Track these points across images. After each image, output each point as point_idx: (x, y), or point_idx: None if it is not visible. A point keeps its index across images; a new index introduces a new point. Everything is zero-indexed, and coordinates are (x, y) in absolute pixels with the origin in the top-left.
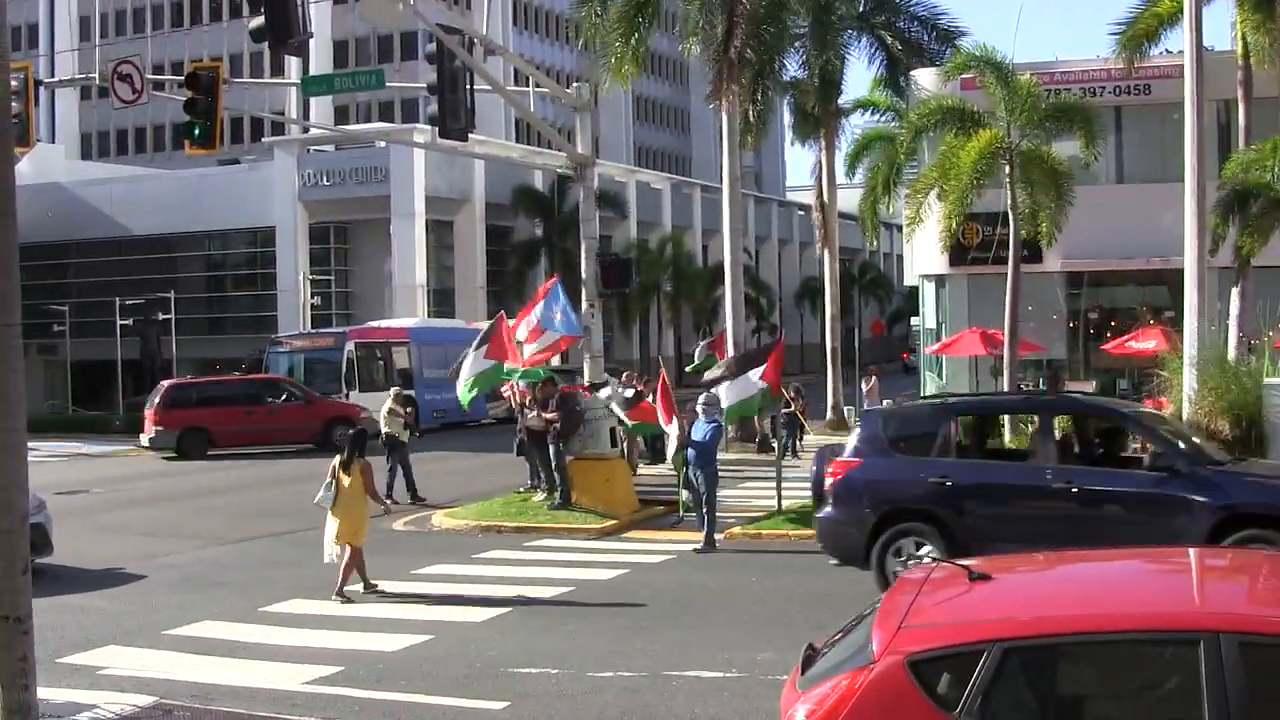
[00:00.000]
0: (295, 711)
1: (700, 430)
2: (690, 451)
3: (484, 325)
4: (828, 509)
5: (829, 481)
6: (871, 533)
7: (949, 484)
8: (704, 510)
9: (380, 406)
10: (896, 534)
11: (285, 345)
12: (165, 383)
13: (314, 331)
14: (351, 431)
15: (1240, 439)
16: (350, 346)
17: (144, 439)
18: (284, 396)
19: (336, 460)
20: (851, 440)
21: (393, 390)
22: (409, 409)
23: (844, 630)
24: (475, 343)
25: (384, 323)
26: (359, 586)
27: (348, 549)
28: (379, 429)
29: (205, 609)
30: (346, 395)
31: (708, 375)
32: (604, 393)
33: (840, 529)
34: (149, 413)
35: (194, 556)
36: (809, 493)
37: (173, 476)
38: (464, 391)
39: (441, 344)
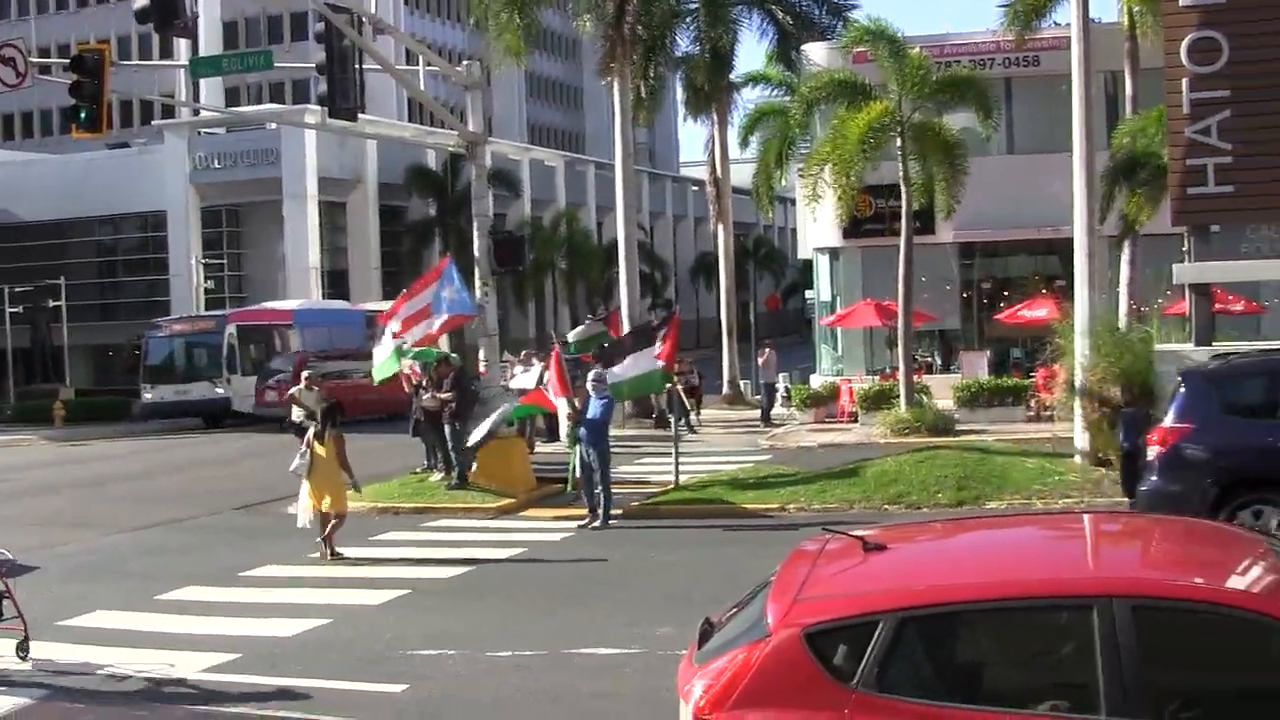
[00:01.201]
0: (193, 699)
1: (592, 407)
2: (582, 429)
3: (375, 306)
4: (1155, 480)
5: (1153, 450)
6: (1213, 505)
7: None
8: (597, 488)
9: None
10: (1240, 506)
11: (164, 330)
12: (299, 357)
13: (194, 315)
14: (325, 405)
15: (1130, 404)
16: (231, 330)
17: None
18: None
19: (311, 432)
20: (1174, 405)
21: (304, 375)
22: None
23: (740, 604)
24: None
25: (268, 305)
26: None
27: (321, 515)
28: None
29: (100, 599)
30: (228, 380)
31: (596, 353)
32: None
33: (1174, 502)
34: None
35: (89, 546)
36: (706, 468)
37: (68, 465)
38: (378, 369)
39: (326, 326)
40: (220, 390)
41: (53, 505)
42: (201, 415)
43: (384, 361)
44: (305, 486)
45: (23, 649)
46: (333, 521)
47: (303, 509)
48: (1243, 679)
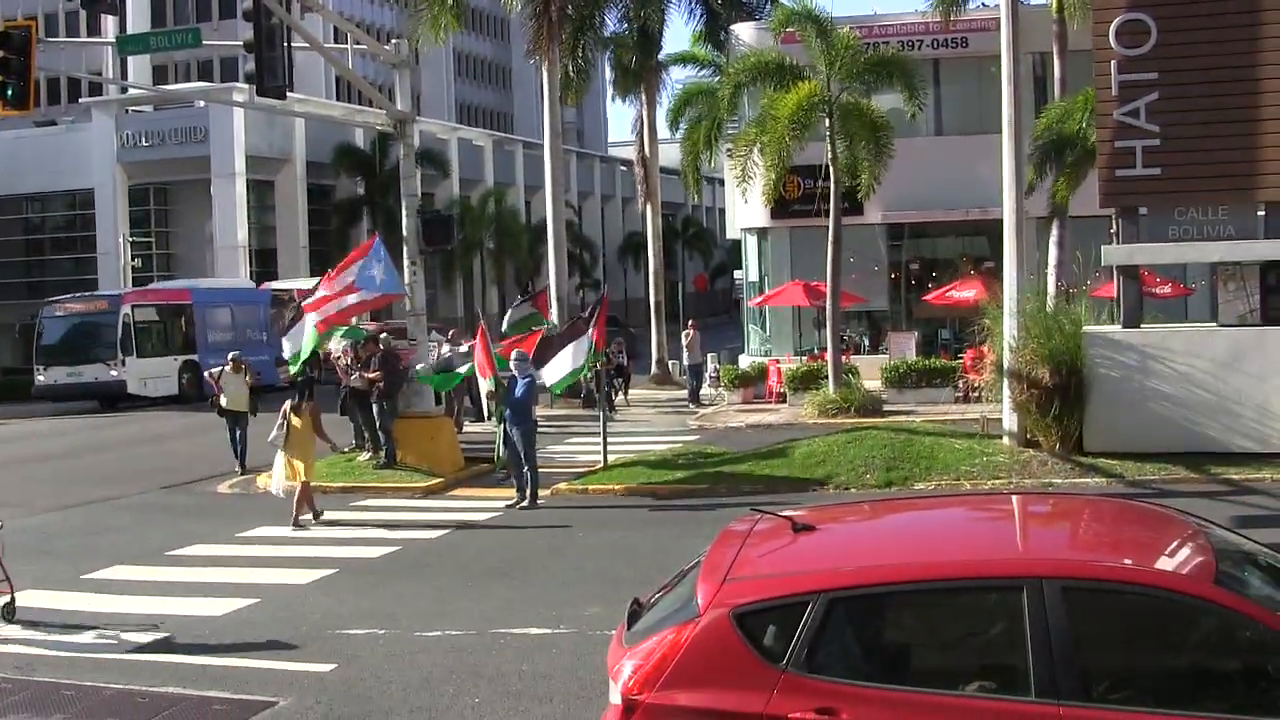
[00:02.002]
0: (120, 679)
1: (515, 388)
2: (507, 410)
3: (282, 285)
4: None
5: None
6: None
7: None
8: (523, 469)
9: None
10: None
11: (60, 309)
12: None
13: (88, 294)
14: (301, 378)
15: (1060, 386)
16: (126, 310)
17: None
18: None
19: (288, 404)
20: None
21: (231, 356)
22: (249, 375)
23: (669, 585)
24: (300, 306)
25: (165, 284)
26: (309, 516)
27: (298, 484)
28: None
29: (27, 578)
30: (123, 362)
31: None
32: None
33: None
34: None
35: (17, 525)
36: (634, 448)
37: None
38: (295, 354)
39: (227, 305)
40: (114, 373)
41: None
42: (97, 398)
43: (299, 350)
44: (280, 457)
45: (8, 611)
46: (299, 489)
47: (277, 478)
48: (1171, 660)
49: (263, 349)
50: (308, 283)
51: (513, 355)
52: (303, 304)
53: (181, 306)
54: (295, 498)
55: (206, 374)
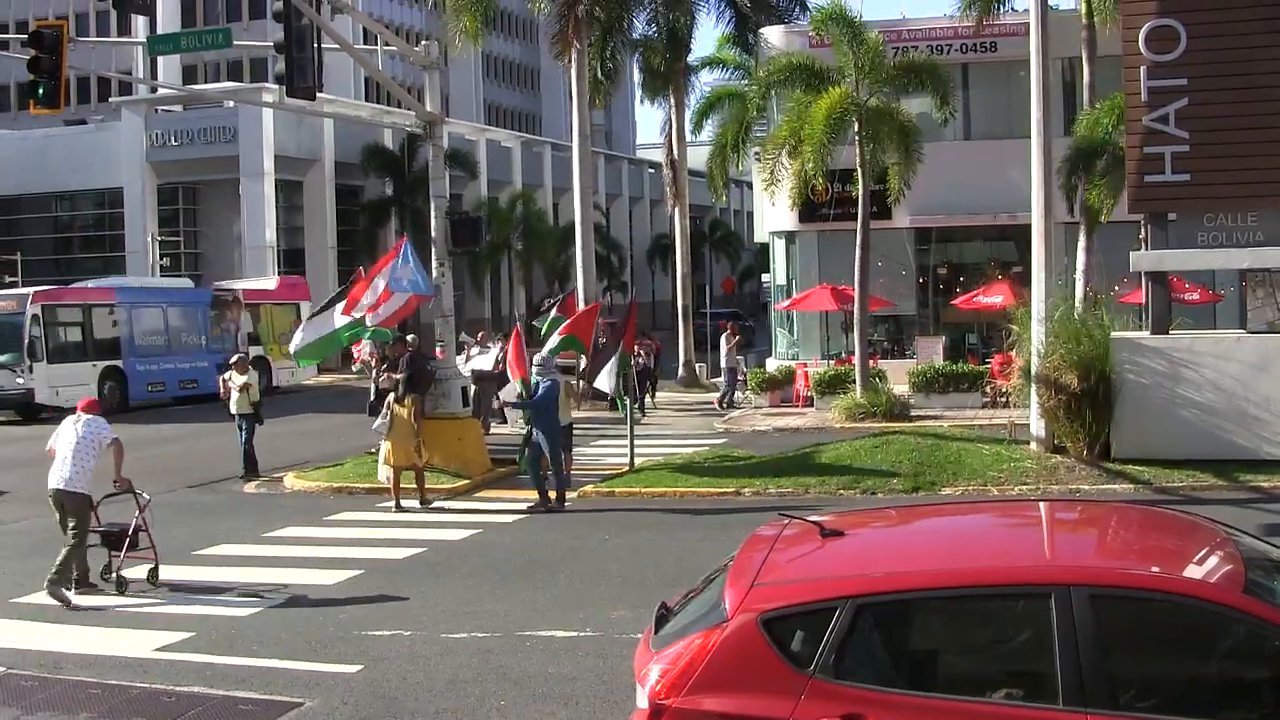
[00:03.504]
0: (146, 679)
1: (537, 391)
2: (530, 412)
3: (231, 284)
4: None
5: None
6: None
7: None
8: (544, 471)
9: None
10: None
11: None
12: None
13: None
14: (407, 373)
15: (1088, 392)
16: (35, 311)
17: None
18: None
19: (392, 395)
20: None
21: (234, 358)
22: (250, 378)
23: (697, 589)
24: (327, 301)
25: (89, 283)
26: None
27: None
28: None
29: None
30: (30, 368)
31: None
32: (476, 359)
33: None
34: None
35: (45, 523)
36: (661, 451)
37: (19, 442)
38: (304, 349)
39: (159, 305)
40: (20, 380)
41: (7, 481)
42: (11, 408)
43: (314, 343)
44: (384, 445)
45: (153, 576)
46: (404, 472)
47: (383, 465)
48: (1199, 668)
49: (200, 354)
50: (260, 283)
51: (535, 358)
52: (332, 307)
53: (104, 307)
54: (400, 481)
55: (220, 380)
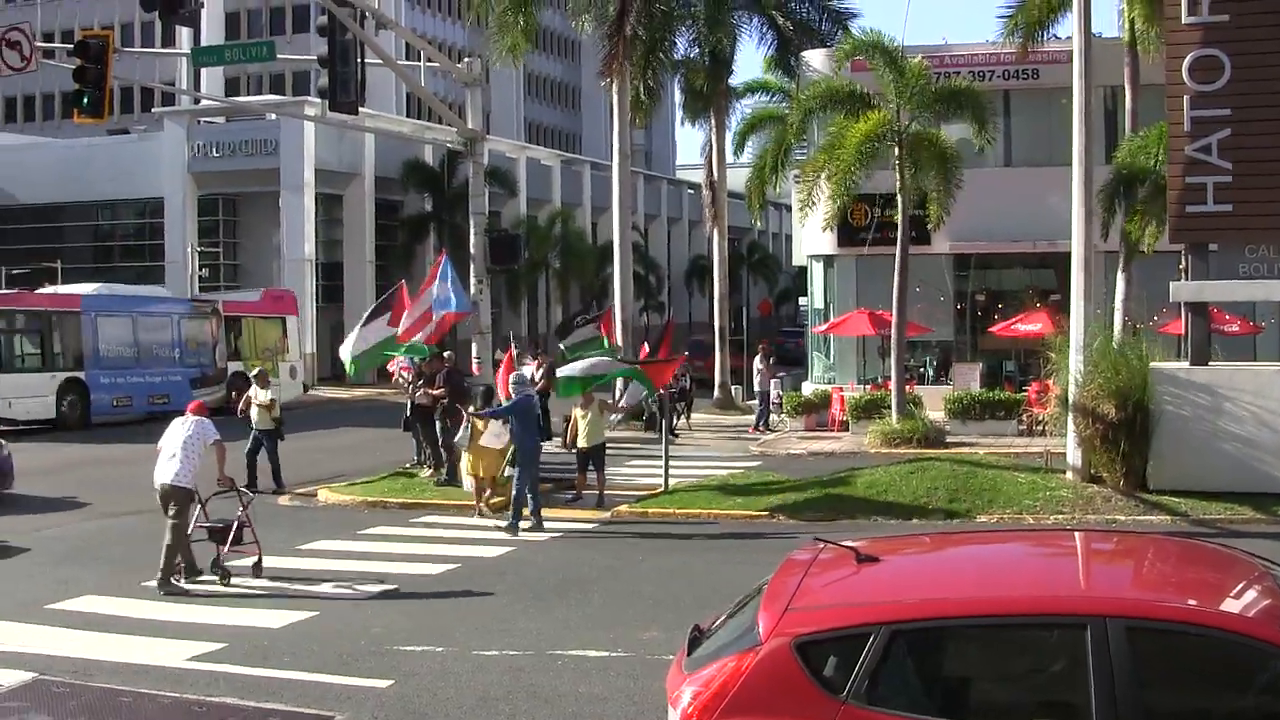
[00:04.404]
0: (177, 688)
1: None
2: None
3: (211, 296)
4: None
5: None
6: None
7: None
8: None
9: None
10: None
11: None
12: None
13: None
14: (483, 387)
15: (1126, 422)
16: None
17: None
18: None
19: (471, 408)
20: None
21: (255, 371)
22: (269, 392)
23: (731, 611)
24: (373, 310)
25: (55, 289)
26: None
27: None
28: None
29: (89, 583)
30: None
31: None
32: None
33: None
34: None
35: (78, 529)
36: (696, 473)
37: (55, 449)
38: (351, 359)
39: (128, 315)
40: None
41: (42, 488)
42: None
43: (361, 355)
44: (465, 457)
45: (258, 569)
46: (487, 486)
47: (464, 475)
48: (1235, 703)
49: (173, 368)
50: (243, 294)
51: (511, 377)
52: (379, 317)
53: (66, 315)
54: (486, 493)
55: (244, 396)
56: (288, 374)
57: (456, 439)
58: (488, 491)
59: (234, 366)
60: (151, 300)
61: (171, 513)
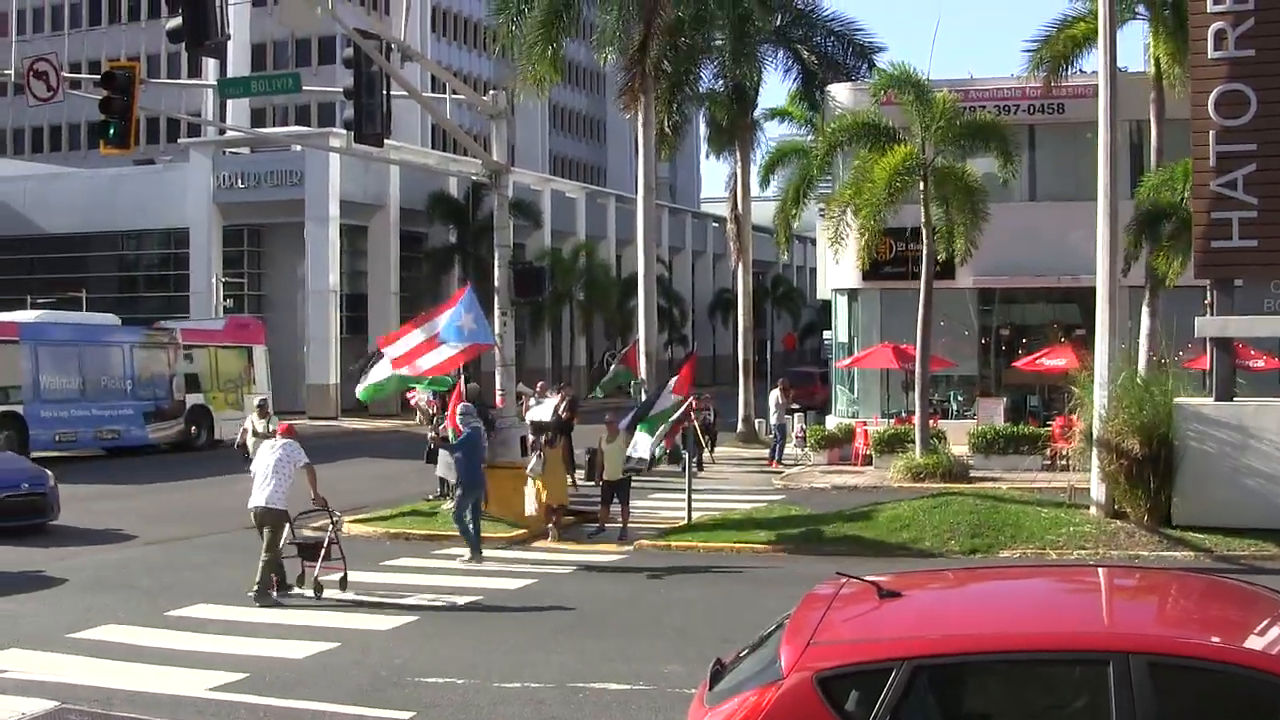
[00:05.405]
0: (198, 718)
1: (457, 439)
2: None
3: (181, 324)
4: None
5: None
6: None
7: None
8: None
9: None
10: None
11: None
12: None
13: None
14: (558, 418)
15: (1150, 458)
16: None
17: None
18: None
19: (543, 438)
20: None
21: (257, 400)
22: (271, 423)
23: (753, 645)
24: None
25: (5, 315)
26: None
27: (546, 507)
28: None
29: (112, 612)
30: None
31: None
32: (535, 409)
33: None
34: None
35: (102, 559)
36: (719, 506)
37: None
38: (368, 388)
39: (73, 345)
40: None
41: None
42: None
43: (375, 384)
44: (532, 484)
45: (344, 583)
46: (555, 510)
47: (530, 500)
48: None
49: (124, 401)
50: (205, 323)
51: (459, 409)
52: (385, 351)
53: (2, 345)
54: (554, 518)
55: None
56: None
57: (529, 468)
58: (556, 516)
59: (194, 399)
60: (100, 329)
61: (267, 533)
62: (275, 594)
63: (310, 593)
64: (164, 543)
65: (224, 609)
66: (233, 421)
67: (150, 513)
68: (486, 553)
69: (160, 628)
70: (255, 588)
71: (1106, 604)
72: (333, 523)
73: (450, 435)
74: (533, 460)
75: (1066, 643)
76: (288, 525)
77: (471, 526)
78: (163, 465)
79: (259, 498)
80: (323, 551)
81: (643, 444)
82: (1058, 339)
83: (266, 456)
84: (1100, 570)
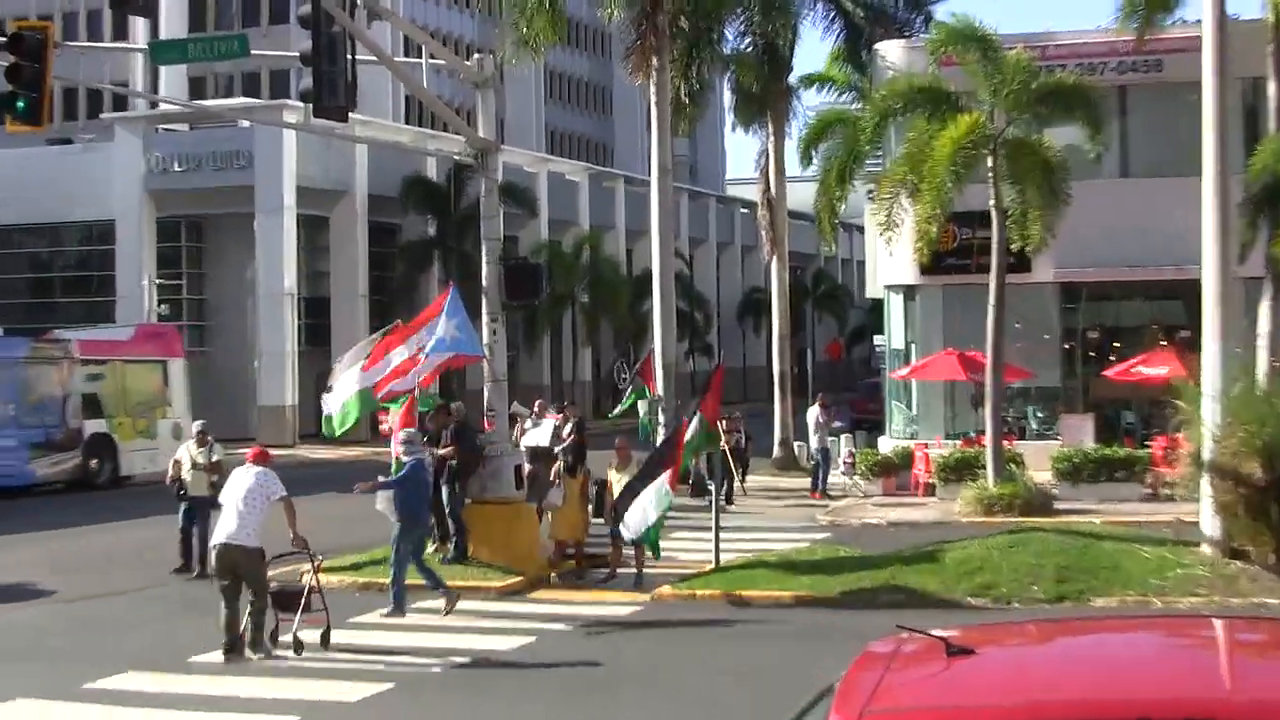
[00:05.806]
0: None
1: (397, 470)
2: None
3: (75, 334)
4: None
5: None
6: None
7: None
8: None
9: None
10: None
11: None
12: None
13: None
14: (574, 447)
15: (1274, 485)
16: None
17: None
18: None
19: (560, 464)
20: None
21: (196, 426)
22: (214, 453)
23: (796, 716)
24: (356, 351)
25: None
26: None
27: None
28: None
29: (19, 685)
30: None
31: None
32: (531, 433)
33: None
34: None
35: (9, 619)
36: (752, 546)
37: None
38: (337, 417)
39: None
40: None
41: None
42: None
43: (341, 412)
44: (549, 518)
45: (325, 639)
46: (576, 550)
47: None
48: None
49: (5, 430)
50: (109, 332)
51: (400, 436)
52: (356, 364)
53: None
54: (574, 553)
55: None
56: (169, 433)
57: (546, 501)
58: (577, 556)
59: (94, 426)
60: None
61: (251, 588)
62: (225, 657)
63: (257, 657)
64: (84, 600)
65: (155, 677)
66: (142, 453)
67: (62, 564)
68: (473, 605)
69: (79, 701)
70: (251, 640)
71: (1225, 663)
72: (314, 567)
73: (392, 466)
74: (551, 492)
75: (1176, 710)
76: (264, 565)
77: (400, 572)
78: (60, 508)
79: (222, 533)
80: (302, 601)
81: (637, 516)
82: (1157, 342)
83: (237, 485)
84: (1217, 622)
